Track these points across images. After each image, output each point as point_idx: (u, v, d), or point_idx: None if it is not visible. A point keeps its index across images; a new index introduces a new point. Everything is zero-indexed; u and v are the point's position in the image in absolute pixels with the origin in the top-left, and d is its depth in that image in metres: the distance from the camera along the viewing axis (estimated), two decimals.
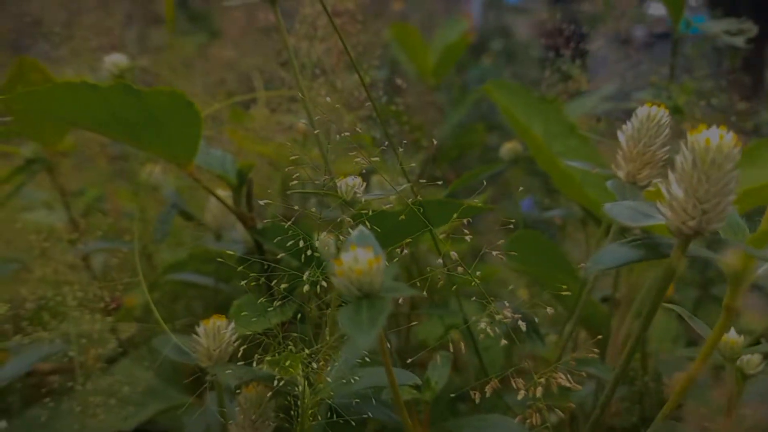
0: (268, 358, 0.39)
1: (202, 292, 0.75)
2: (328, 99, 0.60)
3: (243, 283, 0.73)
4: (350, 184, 0.41)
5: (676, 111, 0.72)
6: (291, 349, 0.40)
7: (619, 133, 0.46)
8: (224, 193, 0.65)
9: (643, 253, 0.30)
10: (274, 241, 0.58)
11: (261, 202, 0.41)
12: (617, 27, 0.98)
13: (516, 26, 2.28)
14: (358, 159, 0.42)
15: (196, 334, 0.41)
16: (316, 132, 0.50)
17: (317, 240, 0.61)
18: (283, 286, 0.57)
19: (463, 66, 1.73)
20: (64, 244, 0.71)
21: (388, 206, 0.44)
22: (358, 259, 0.27)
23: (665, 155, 0.43)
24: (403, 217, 0.44)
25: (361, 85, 0.68)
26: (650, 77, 0.82)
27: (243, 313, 0.53)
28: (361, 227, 0.32)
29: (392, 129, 0.80)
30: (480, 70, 1.83)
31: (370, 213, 0.41)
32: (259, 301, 0.57)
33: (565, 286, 0.44)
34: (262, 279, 0.64)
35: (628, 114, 0.86)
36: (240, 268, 0.59)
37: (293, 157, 0.69)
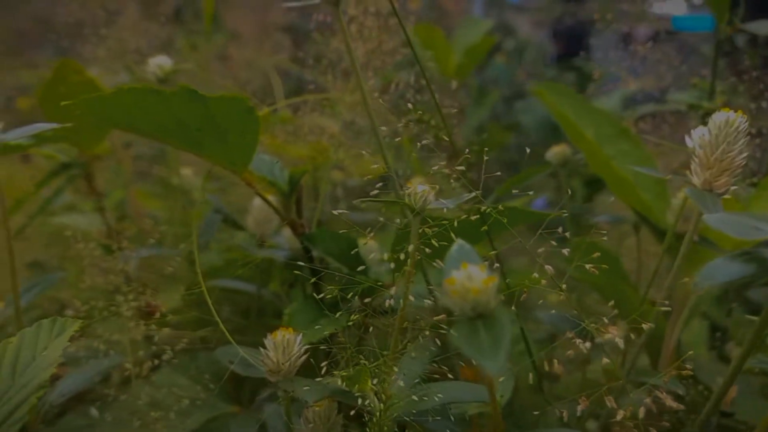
0: (342, 373, 0.38)
1: (233, 297, 0.74)
2: (381, 101, 0.59)
3: (282, 287, 0.72)
4: (420, 191, 0.40)
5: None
6: (364, 363, 0.38)
7: (687, 139, 0.45)
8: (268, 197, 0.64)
9: (756, 269, 0.29)
10: (324, 248, 0.57)
11: (336, 212, 0.40)
12: (626, 25, 0.97)
13: (518, 25, 2.27)
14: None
15: (263, 346, 0.39)
16: (380, 137, 0.49)
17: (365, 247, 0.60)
18: (333, 293, 0.56)
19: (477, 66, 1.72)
20: (102, 249, 0.70)
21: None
22: (473, 277, 0.26)
23: (743, 162, 0.41)
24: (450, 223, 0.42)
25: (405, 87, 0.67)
26: (691, 78, 0.81)
27: (296, 321, 0.52)
28: (459, 242, 0.31)
29: (416, 130, 0.79)
30: (496, 70, 1.81)
31: (437, 221, 0.40)
32: (310, 307, 0.56)
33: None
34: (309, 283, 0.63)
35: (663, 115, 0.84)
36: (292, 274, 0.58)
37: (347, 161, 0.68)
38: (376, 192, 0.43)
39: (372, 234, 0.41)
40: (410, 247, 0.42)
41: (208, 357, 0.62)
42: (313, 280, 0.49)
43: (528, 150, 0.67)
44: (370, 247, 0.66)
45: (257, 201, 0.64)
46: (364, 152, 0.71)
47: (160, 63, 0.56)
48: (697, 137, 0.44)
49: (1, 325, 0.48)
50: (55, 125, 0.38)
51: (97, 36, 0.92)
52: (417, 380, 0.42)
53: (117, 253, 0.57)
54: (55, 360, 0.31)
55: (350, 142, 0.67)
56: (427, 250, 0.40)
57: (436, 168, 0.41)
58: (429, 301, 0.44)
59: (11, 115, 1.01)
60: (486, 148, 1.03)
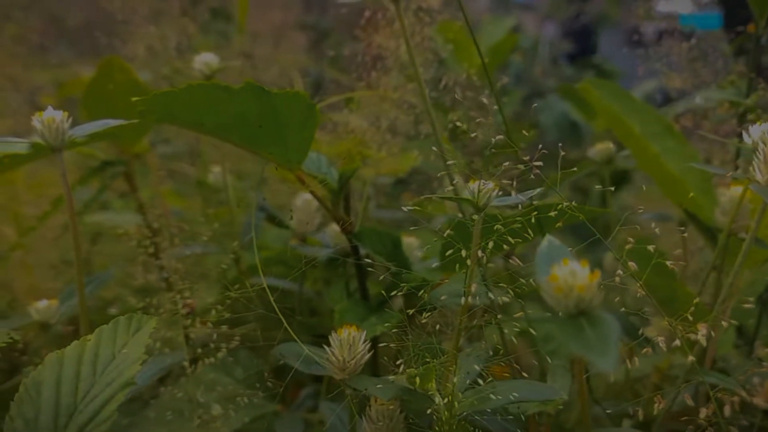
0: (411, 371, 0.37)
1: (264, 294, 0.74)
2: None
3: (316, 285, 0.71)
4: (483, 188, 0.40)
5: (752, 110, 0.70)
6: (429, 362, 0.38)
7: (745, 136, 0.45)
8: (309, 195, 0.64)
9: None
10: (371, 245, 0.56)
11: (405, 209, 0.39)
12: (644, 25, 0.96)
13: (524, 24, 2.26)
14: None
15: (327, 344, 0.39)
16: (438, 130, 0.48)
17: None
18: (383, 291, 0.56)
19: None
20: (146, 247, 0.70)
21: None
22: (577, 274, 0.26)
23: None
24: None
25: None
26: (728, 76, 0.80)
27: (346, 319, 0.52)
28: (549, 237, 0.30)
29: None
30: (515, 68, 1.81)
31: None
32: (359, 305, 0.56)
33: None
34: (355, 280, 0.63)
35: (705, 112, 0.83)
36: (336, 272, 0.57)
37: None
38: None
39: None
40: (472, 244, 0.42)
41: (249, 355, 0.62)
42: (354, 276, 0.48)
43: (540, 148, 0.67)
44: (411, 244, 0.66)
45: (300, 199, 0.63)
46: (394, 149, 0.71)
47: (206, 60, 0.56)
48: (757, 134, 0.44)
49: (66, 322, 0.47)
50: (121, 121, 0.38)
51: (111, 34, 0.92)
52: (476, 378, 0.42)
53: (162, 251, 0.57)
54: (139, 357, 0.31)
55: (380, 138, 0.67)
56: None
57: (502, 164, 0.41)
58: (482, 298, 0.44)
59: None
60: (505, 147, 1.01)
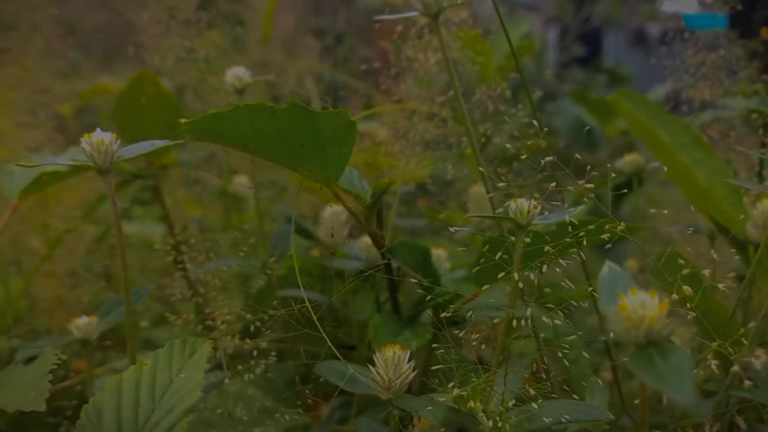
0: (458, 391, 0.37)
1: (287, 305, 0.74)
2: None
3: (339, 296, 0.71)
4: (526, 206, 0.40)
5: None
6: (474, 381, 0.38)
7: None
8: (338, 207, 0.64)
9: None
10: (403, 259, 0.56)
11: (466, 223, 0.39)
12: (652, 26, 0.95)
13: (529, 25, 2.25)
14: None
15: (372, 363, 0.39)
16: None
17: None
18: (420, 306, 0.56)
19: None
20: (173, 259, 0.70)
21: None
22: (646, 304, 0.26)
23: None
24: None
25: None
26: (741, 81, 0.79)
27: (381, 334, 0.52)
28: (608, 263, 0.30)
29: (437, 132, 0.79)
30: (528, 72, 1.81)
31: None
32: (392, 320, 0.56)
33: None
34: (385, 292, 0.63)
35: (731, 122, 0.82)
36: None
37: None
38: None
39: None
40: (514, 261, 0.42)
41: (277, 366, 0.62)
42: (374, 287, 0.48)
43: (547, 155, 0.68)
44: (439, 255, 0.66)
45: (328, 211, 0.63)
46: (424, 161, 0.71)
47: (238, 74, 0.56)
48: None
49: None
50: (166, 142, 0.38)
51: (125, 41, 0.92)
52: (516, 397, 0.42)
53: (189, 262, 0.57)
54: (199, 383, 0.31)
55: (410, 150, 0.67)
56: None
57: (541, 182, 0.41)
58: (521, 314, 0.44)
59: (56, 120, 1.00)
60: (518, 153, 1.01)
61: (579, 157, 0.45)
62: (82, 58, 0.98)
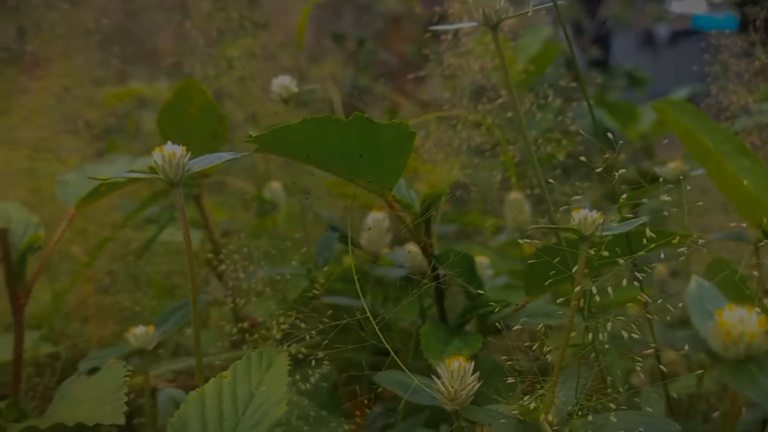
0: (527, 402, 0.37)
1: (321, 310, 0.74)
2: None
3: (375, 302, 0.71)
4: (591, 218, 0.40)
5: None
6: (541, 392, 0.38)
7: None
8: (380, 215, 0.64)
9: None
10: (450, 267, 0.56)
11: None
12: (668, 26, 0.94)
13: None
14: None
15: (436, 374, 0.39)
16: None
17: None
18: (467, 314, 0.56)
19: None
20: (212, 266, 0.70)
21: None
22: (746, 321, 0.26)
23: None
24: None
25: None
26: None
27: (431, 343, 0.52)
28: (695, 278, 0.30)
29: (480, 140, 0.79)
30: (547, 76, 1.80)
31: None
32: (440, 328, 0.56)
33: None
34: (427, 300, 0.63)
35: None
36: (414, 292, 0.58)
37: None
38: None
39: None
40: (576, 272, 0.42)
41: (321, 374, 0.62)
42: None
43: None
44: (482, 263, 0.66)
45: (371, 218, 0.64)
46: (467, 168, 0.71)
47: (284, 84, 0.57)
48: None
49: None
50: (233, 155, 0.38)
51: (134, 46, 0.92)
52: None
53: (240, 270, 0.57)
54: (283, 397, 0.31)
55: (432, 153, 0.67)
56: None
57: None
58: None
59: (93, 127, 1.00)
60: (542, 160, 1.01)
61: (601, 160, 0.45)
62: (119, 64, 0.98)
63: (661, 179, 0.63)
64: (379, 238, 0.63)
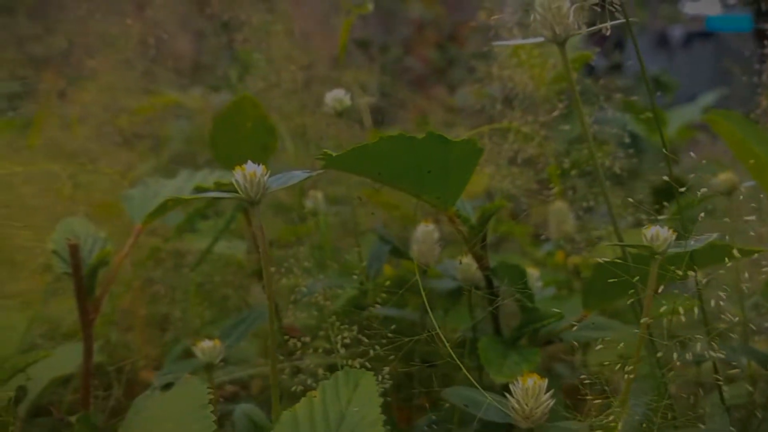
0: (599, 419, 0.37)
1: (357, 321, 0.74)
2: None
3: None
4: (663, 235, 0.40)
5: None
6: (615, 408, 0.38)
7: None
8: (429, 227, 0.64)
9: None
10: (504, 279, 0.57)
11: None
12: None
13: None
14: None
15: (509, 392, 0.39)
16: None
17: None
18: (527, 328, 0.56)
19: None
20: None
21: None
22: None
23: None
24: None
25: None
26: None
27: (489, 357, 0.52)
28: None
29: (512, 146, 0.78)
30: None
31: None
32: (497, 342, 0.56)
33: None
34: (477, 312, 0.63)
35: None
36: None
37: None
38: None
39: None
40: (648, 288, 0.42)
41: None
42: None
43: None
44: (531, 275, 0.66)
45: (420, 230, 0.64)
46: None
47: (338, 97, 0.57)
48: None
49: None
50: (308, 173, 0.39)
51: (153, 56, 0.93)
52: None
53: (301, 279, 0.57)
54: (377, 418, 0.31)
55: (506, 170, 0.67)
56: None
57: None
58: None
59: (117, 133, 1.01)
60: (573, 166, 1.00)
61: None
62: (153, 74, 0.99)
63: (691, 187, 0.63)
64: (429, 249, 0.63)
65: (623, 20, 0.44)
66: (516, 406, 0.39)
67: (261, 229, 0.37)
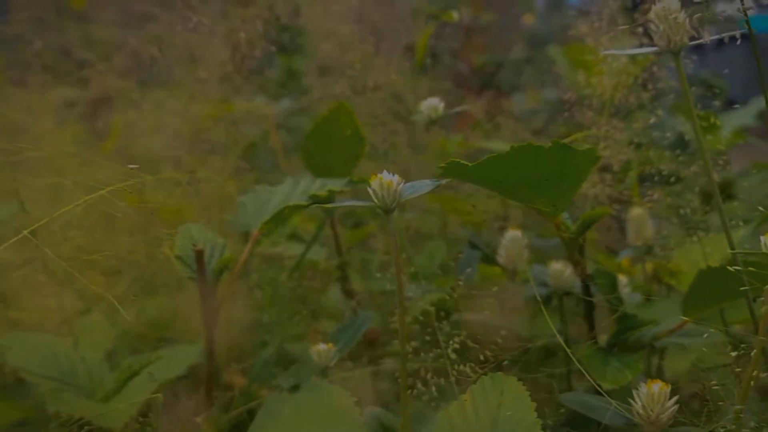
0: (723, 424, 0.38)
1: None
2: None
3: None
4: None
5: None
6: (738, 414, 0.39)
7: None
8: (517, 233, 0.65)
9: None
10: (601, 285, 0.57)
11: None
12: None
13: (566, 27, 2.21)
14: None
15: (634, 397, 0.40)
16: None
17: None
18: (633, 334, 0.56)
19: None
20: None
21: None
22: None
23: None
24: None
25: None
26: None
27: (594, 365, 0.52)
28: None
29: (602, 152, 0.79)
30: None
31: None
32: (599, 349, 0.56)
33: None
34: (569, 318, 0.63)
35: None
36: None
37: None
38: None
39: None
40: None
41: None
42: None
43: None
44: (621, 281, 0.67)
45: (508, 236, 0.65)
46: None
47: (434, 105, 0.58)
48: None
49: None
50: (437, 182, 0.40)
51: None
52: None
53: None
54: (535, 421, 0.32)
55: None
56: None
57: None
58: None
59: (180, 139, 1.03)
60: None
61: None
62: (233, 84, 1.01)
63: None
64: (517, 255, 0.64)
65: (736, 32, 0.45)
66: (641, 411, 0.40)
67: (394, 237, 0.38)
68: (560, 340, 0.44)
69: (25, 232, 0.35)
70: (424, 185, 0.39)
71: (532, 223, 0.91)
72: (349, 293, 0.73)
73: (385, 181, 0.37)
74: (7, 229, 0.76)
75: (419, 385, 0.48)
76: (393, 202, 0.38)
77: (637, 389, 0.40)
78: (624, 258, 0.81)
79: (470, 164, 0.38)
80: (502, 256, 0.64)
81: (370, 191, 0.38)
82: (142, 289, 0.67)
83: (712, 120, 1.59)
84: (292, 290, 0.66)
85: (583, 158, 0.42)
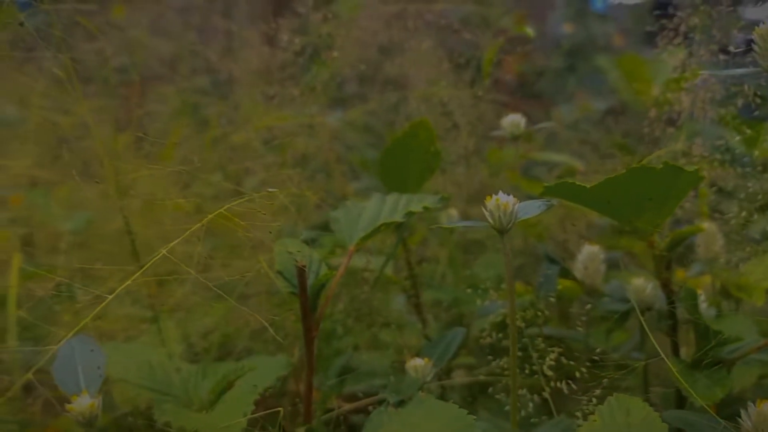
0: None
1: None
2: None
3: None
4: None
5: None
6: None
7: None
8: (595, 248, 0.65)
9: None
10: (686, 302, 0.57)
11: None
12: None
13: (604, 35, 2.19)
14: None
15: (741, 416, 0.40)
16: None
17: None
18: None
19: None
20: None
21: None
22: None
23: None
24: None
25: None
26: None
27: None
28: None
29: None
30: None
31: None
32: (688, 366, 0.56)
33: None
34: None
35: None
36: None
37: None
38: None
39: None
40: None
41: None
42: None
43: None
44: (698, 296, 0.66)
45: (585, 252, 0.65)
46: None
47: (515, 121, 0.58)
48: None
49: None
50: (549, 203, 0.40)
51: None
52: None
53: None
54: None
55: None
56: None
57: None
58: None
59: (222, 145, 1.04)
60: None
61: None
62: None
63: None
64: (595, 270, 0.64)
65: None
66: (751, 430, 0.40)
67: (509, 256, 0.39)
68: (664, 357, 0.44)
69: (163, 250, 0.36)
70: (534, 206, 0.40)
71: (590, 235, 0.91)
72: (417, 306, 0.73)
73: (501, 202, 0.38)
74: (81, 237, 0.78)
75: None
76: (509, 222, 0.38)
77: (746, 409, 0.40)
78: (694, 272, 0.80)
79: (587, 186, 0.38)
80: (580, 271, 0.64)
81: (486, 212, 0.38)
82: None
83: (755, 127, 1.56)
84: (364, 302, 0.67)
85: (689, 178, 0.42)
